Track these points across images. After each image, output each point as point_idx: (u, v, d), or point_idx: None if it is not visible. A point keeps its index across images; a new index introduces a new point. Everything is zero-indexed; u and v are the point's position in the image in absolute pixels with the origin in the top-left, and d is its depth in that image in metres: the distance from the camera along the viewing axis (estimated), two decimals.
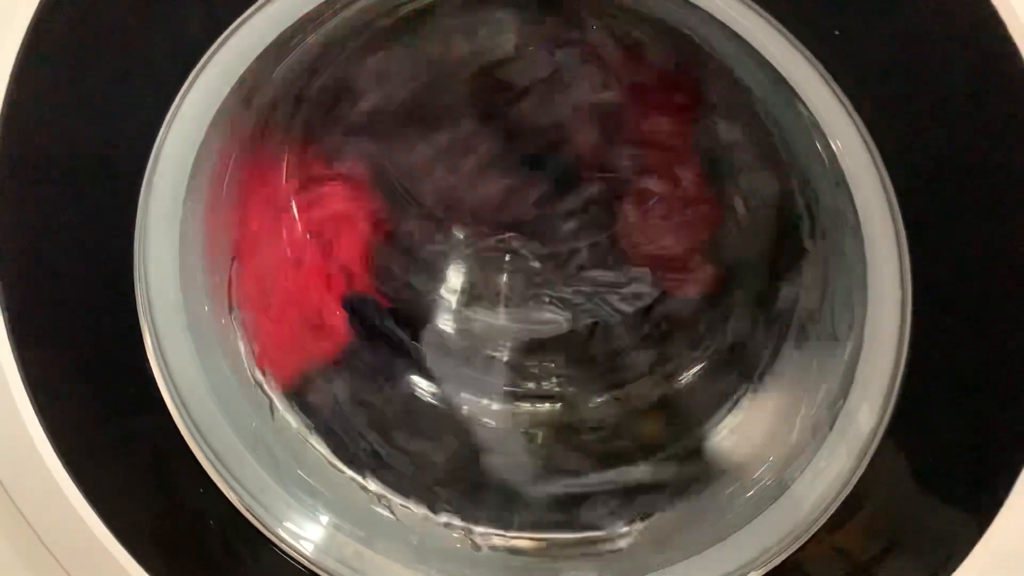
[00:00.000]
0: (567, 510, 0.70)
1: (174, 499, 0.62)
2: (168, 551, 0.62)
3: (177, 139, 0.54)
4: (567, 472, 0.72)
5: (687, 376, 0.75)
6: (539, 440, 0.76)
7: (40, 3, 0.50)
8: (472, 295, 0.81)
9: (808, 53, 0.47)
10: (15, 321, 0.56)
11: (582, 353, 0.79)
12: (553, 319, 0.81)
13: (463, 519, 0.68)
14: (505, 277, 0.81)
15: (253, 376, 0.67)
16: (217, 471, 0.61)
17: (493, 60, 0.70)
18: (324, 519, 0.65)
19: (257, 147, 0.66)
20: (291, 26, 0.53)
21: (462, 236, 0.80)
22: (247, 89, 0.57)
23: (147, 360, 0.58)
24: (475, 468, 0.73)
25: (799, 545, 0.56)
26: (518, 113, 0.72)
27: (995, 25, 0.43)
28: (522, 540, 0.68)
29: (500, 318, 0.81)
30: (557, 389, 0.79)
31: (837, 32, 0.46)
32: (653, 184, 0.76)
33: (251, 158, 0.66)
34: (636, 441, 0.74)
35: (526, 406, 0.78)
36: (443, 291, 0.81)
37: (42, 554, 0.62)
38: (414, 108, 0.72)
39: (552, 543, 0.68)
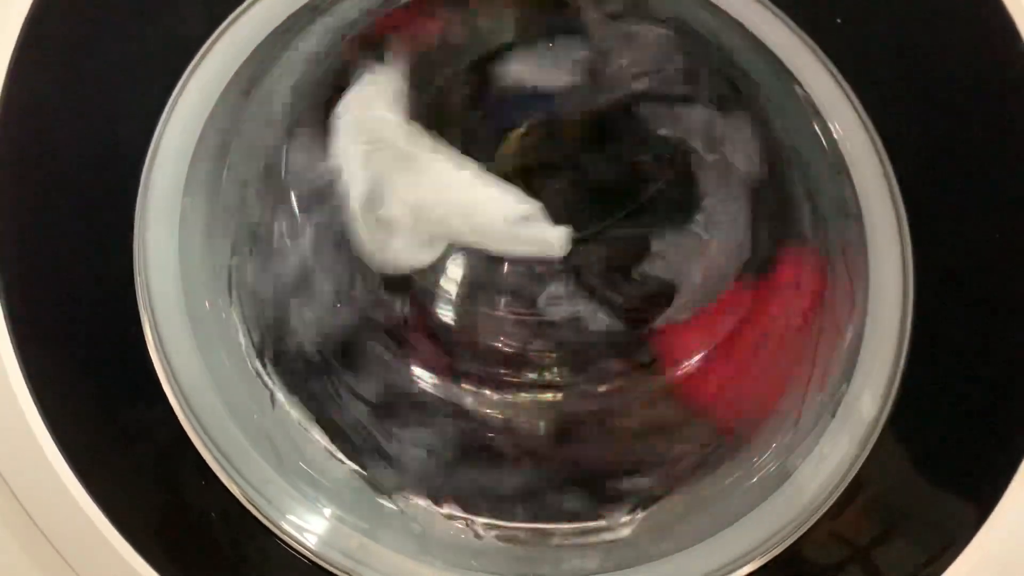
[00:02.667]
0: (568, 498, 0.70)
1: (176, 493, 0.63)
2: (171, 545, 0.62)
3: (176, 132, 0.54)
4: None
5: (688, 365, 0.75)
6: (541, 430, 0.76)
7: None
8: (472, 286, 0.81)
9: (809, 40, 0.47)
10: (16, 316, 0.56)
11: (584, 342, 0.79)
12: (556, 310, 0.81)
13: (465, 510, 0.69)
14: (506, 267, 0.81)
15: (254, 368, 0.67)
16: (219, 464, 0.61)
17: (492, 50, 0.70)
18: (327, 511, 0.65)
19: None
20: (290, 16, 0.53)
21: None
22: (246, 81, 0.57)
23: (148, 354, 0.58)
24: (476, 459, 0.73)
25: (801, 533, 0.56)
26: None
27: (997, 10, 0.43)
28: (524, 530, 0.68)
29: (500, 308, 0.81)
30: (559, 379, 0.79)
31: (839, 20, 0.46)
32: None
33: None
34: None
35: (527, 396, 0.78)
36: (443, 282, 0.81)
37: (45, 548, 0.62)
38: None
39: (554, 533, 0.68)
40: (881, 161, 0.47)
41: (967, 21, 0.44)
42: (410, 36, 0.67)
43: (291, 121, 0.70)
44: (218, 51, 0.52)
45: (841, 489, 0.54)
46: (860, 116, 0.47)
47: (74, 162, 0.54)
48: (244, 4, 0.51)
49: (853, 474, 0.53)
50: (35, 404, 0.58)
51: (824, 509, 0.55)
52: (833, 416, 0.56)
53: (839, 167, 0.51)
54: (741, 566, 0.58)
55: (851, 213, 0.52)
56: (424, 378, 0.78)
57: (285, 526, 0.63)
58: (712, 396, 0.72)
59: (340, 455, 0.69)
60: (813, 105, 0.50)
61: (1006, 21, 0.43)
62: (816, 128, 0.53)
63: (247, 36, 0.53)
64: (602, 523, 0.67)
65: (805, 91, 0.50)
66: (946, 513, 0.52)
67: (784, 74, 0.50)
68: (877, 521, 0.55)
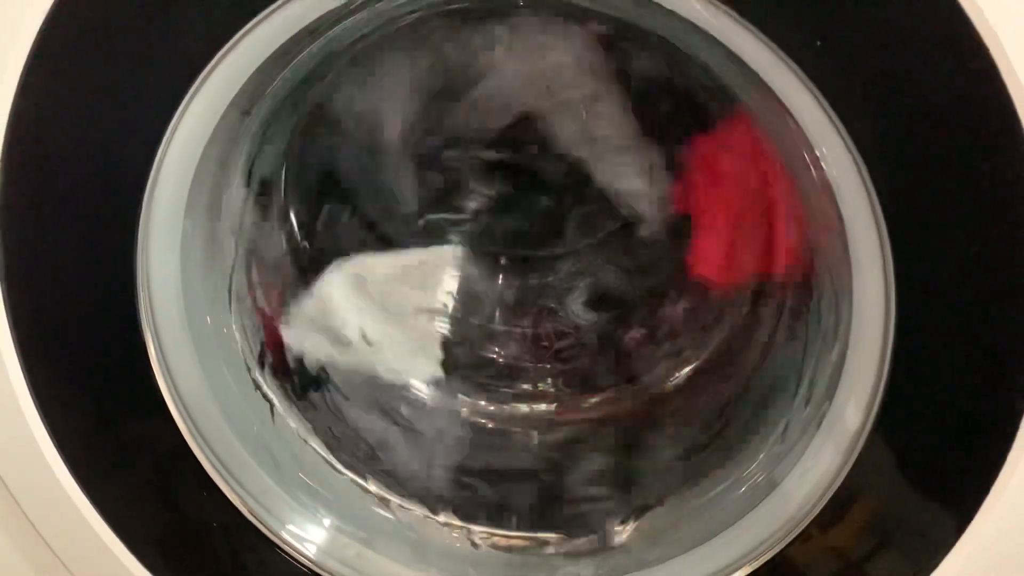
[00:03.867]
0: (562, 508, 0.71)
1: (178, 503, 0.63)
2: (172, 554, 0.63)
3: (178, 151, 0.55)
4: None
5: (678, 377, 0.76)
6: (535, 440, 0.77)
7: (44, 20, 0.51)
8: (468, 298, 0.82)
9: (792, 63, 0.48)
10: (21, 330, 0.57)
11: (577, 354, 0.80)
12: (549, 320, 0.81)
13: (462, 519, 0.69)
14: (501, 280, 0.82)
15: (253, 380, 0.68)
16: (220, 475, 0.62)
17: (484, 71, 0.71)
18: (326, 521, 0.66)
19: None
20: (289, 40, 0.54)
21: (457, 240, 0.81)
22: (246, 101, 0.58)
23: (150, 367, 0.59)
24: (473, 468, 0.74)
25: (789, 540, 0.57)
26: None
27: (970, 35, 0.44)
28: (520, 538, 0.69)
29: (496, 320, 0.82)
30: (552, 390, 0.80)
31: (819, 43, 0.47)
32: None
33: None
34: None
35: (522, 407, 0.79)
36: (439, 294, 0.82)
37: (49, 558, 0.63)
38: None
39: (549, 541, 0.69)
40: (863, 179, 0.48)
41: (944, 46, 0.45)
42: None
43: (288, 140, 0.71)
44: (219, 73, 0.53)
45: (827, 498, 0.55)
46: (841, 135, 0.48)
47: (79, 182, 0.55)
48: (245, 27, 0.52)
49: (839, 483, 0.54)
50: (39, 416, 0.58)
51: (811, 517, 0.56)
52: (819, 427, 0.57)
53: (824, 184, 0.52)
54: (731, 573, 0.59)
55: (834, 228, 0.53)
56: (420, 389, 0.79)
57: (284, 535, 0.63)
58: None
59: (338, 465, 0.70)
60: (798, 124, 0.51)
61: (979, 46, 0.44)
62: (801, 148, 0.54)
63: (248, 58, 0.54)
64: (596, 532, 0.68)
65: (791, 113, 0.51)
66: (929, 521, 0.53)
67: (770, 96, 0.51)
68: (862, 528, 0.55)
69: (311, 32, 0.55)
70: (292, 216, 0.75)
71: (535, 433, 0.77)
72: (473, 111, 0.72)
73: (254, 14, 0.51)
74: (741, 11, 0.47)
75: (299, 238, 0.76)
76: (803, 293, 0.65)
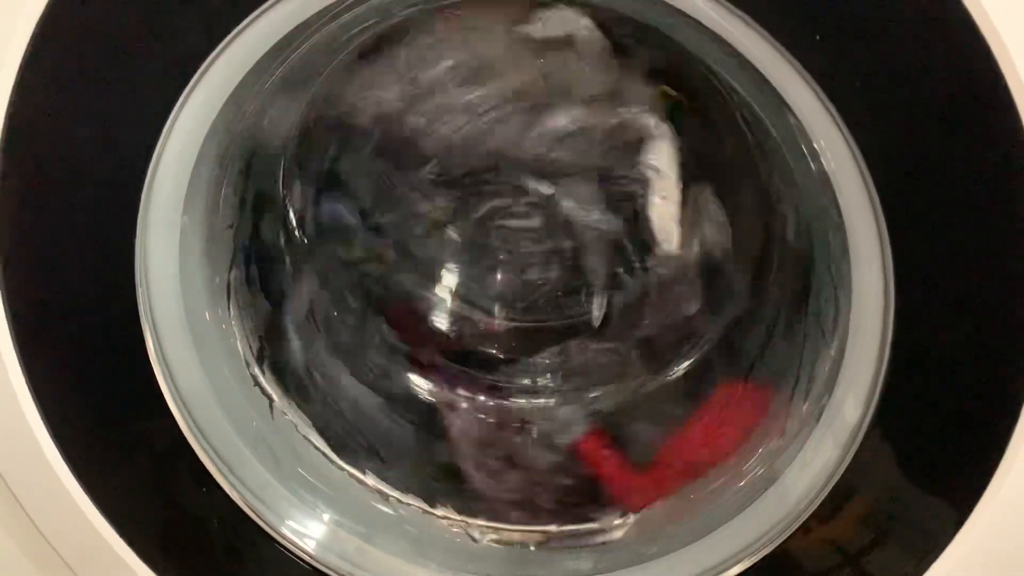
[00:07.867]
0: (561, 502, 0.71)
1: (178, 499, 0.63)
2: (173, 551, 0.63)
3: (176, 148, 0.55)
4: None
5: (678, 371, 0.76)
6: (534, 434, 0.77)
7: (41, 17, 0.51)
8: (467, 293, 0.82)
9: (791, 57, 0.48)
10: (20, 327, 0.57)
11: (575, 349, 0.80)
12: (547, 315, 0.82)
13: (461, 513, 0.70)
14: (499, 275, 0.82)
15: (252, 376, 0.68)
16: (219, 471, 0.62)
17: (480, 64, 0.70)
18: (325, 516, 0.66)
19: None
20: (285, 36, 0.54)
21: (456, 236, 0.81)
22: (244, 98, 0.58)
23: (149, 363, 0.59)
24: (471, 463, 0.74)
25: (788, 534, 0.57)
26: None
27: (969, 28, 0.44)
28: (519, 532, 0.69)
29: (494, 315, 0.82)
30: (551, 385, 0.80)
31: (818, 37, 0.47)
32: None
33: None
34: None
35: (520, 402, 0.79)
36: (437, 289, 0.82)
37: (50, 555, 0.63)
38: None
39: (548, 535, 0.69)
40: (861, 172, 0.48)
41: (941, 36, 0.45)
42: None
43: (286, 137, 0.71)
44: (217, 69, 0.53)
45: (826, 492, 0.55)
46: (840, 128, 0.48)
47: (78, 177, 0.55)
48: (242, 23, 0.52)
49: (837, 477, 0.55)
50: (38, 412, 0.58)
51: (810, 511, 0.56)
52: (818, 421, 0.57)
53: (823, 178, 0.52)
54: (730, 567, 0.59)
55: (834, 222, 0.53)
56: (420, 384, 0.79)
57: (284, 531, 0.64)
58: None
59: (338, 460, 0.70)
60: (797, 119, 0.51)
61: (979, 40, 0.44)
62: (800, 142, 0.54)
63: (245, 55, 0.54)
64: (595, 525, 0.68)
65: (791, 107, 0.51)
66: (928, 514, 0.53)
67: (769, 89, 0.51)
68: (862, 522, 0.56)
69: (305, 27, 0.55)
70: (290, 211, 0.75)
71: (533, 428, 0.77)
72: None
73: (252, 8, 0.51)
74: (739, 4, 0.47)
75: (296, 233, 0.76)
76: (802, 286, 0.65)
